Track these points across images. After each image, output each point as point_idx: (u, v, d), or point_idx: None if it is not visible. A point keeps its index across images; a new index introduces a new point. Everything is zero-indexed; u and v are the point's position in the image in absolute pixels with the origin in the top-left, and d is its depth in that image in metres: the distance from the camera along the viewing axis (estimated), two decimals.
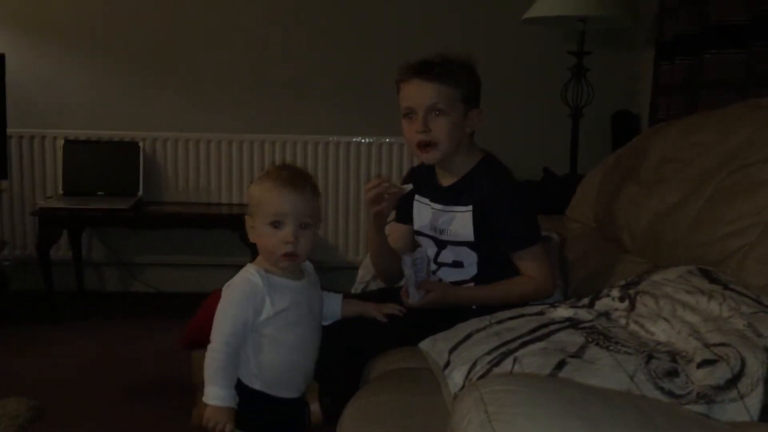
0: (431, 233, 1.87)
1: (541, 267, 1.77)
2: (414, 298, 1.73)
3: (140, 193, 3.56)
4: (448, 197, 1.82)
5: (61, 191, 3.57)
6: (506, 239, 1.77)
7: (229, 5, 3.68)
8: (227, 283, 1.53)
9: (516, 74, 3.67)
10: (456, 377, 1.30)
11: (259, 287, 1.49)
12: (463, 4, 3.67)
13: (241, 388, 1.50)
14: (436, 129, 1.73)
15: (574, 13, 3.01)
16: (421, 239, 1.91)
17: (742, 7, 2.39)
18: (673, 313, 1.30)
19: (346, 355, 1.64)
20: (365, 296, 1.97)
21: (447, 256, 1.84)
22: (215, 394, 1.46)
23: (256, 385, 1.52)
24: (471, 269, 1.82)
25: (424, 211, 1.89)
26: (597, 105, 3.30)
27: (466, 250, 1.80)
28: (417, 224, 1.92)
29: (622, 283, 1.51)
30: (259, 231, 1.52)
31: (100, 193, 3.54)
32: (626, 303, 1.41)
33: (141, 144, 3.60)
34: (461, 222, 1.79)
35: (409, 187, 1.81)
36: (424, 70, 1.73)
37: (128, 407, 2.48)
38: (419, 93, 1.74)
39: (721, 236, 1.60)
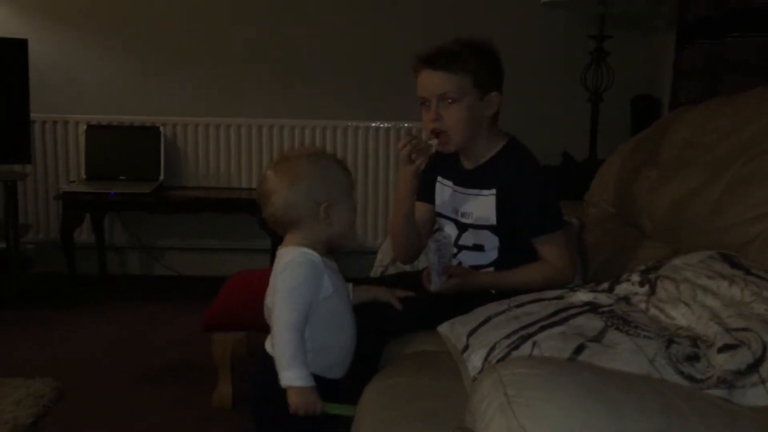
0: (453, 216, 1.87)
1: (562, 253, 1.78)
2: (436, 284, 1.74)
3: (161, 177, 3.59)
4: (471, 180, 1.83)
5: (83, 176, 3.60)
6: (528, 224, 1.77)
7: None
8: (282, 267, 1.49)
9: (535, 58, 3.64)
10: (475, 360, 1.31)
11: (319, 265, 1.49)
12: None
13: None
14: (448, 117, 1.75)
15: None
16: (442, 221, 1.92)
17: None
18: (694, 298, 1.30)
19: (365, 338, 1.65)
20: (383, 280, 1.97)
21: (468, 239, 1.84)
22: (299, 375, 1.42)
23: (312, 369, 1.48)
24: (491, 253, 1.82)
25: (446, 193, 1.90)
26: (617, 89, 3.27)
27: (487, 233, 1.80)
28: (439, 206, 1.93)
29: (642, 267, 1.51)
30: (340, 211, 1.53)
31: (122, 177, 3.58)
32: (646, 287, 1.41)
33: (162, 129, 3.62)
34: (484, 205, 1.79)
35: (434, 142, 1.80)
36: (432, 59, 1.74)
37: (149, 389, 2.52)
38: (430, 82, 1.76)
39: (742, 221, 1.59)
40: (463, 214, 1.84)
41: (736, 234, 1.59)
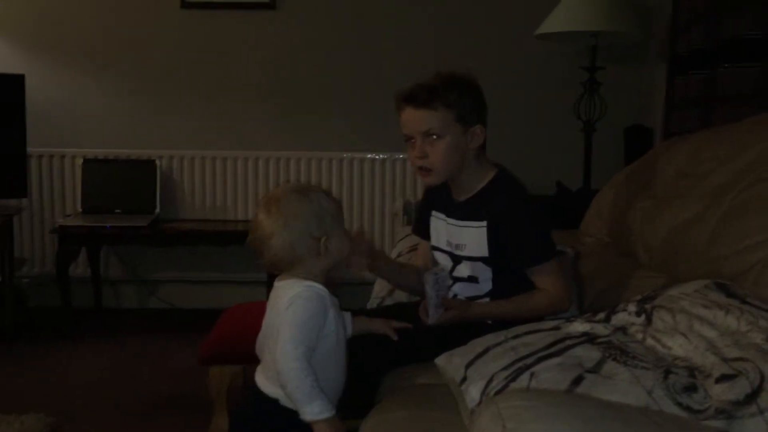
0: (447, 248, 1.87)
1: (556, 282, 1.78)
2: (434, 317, 1.73)
3: (157, 210, 3.60)
4: (463, 212, 1.83)
5: (79, 209, 3.61)
6: (521, 255, 1.77)
7: (244, 25, 3.72)
8: (288, 301, 1.48)
9: (529, 89, 3.68)
10: (473, 392, 1.30)
11: (326, 297, 1.49)
12: (476, 20, 3.69)
13: (276, 408, 1.49)
14: (432, 154, 1.76)
15: (586, 28, 3.01)
16: (437, 255, 1.92)
17: (756, 21, 2.39)
18: (690, 328, 1.30)
19: (361, 372, 1.64)
20: (380, 312, 1.97)
21: (462, 271, 1.84)
22: (323, 406, 1.42)
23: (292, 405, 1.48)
24: (486, 285, 1.82)
25: (440, 227, 1.90)
26: (610, 119, 3.30)
27: (481, 265, 1.81)
28: (434, 240, 1.93)
29: (639, 297, 1.51)
30: (337, 241, 1.54)
31: (117, 210, 3.58)
32: (643, 318, 1.41)
33: (158, 162, 3.64)
34: (476, 237, 1.79)
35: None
36: (413, 97, 1.75)
37: (145, 423, 2.49)
38: (412, 121, 1.76)
39: (738, 250, 1.60)
40: (457, 246, 1.84)
41: (732, 263, 1.59)
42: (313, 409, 1.42)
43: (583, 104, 3.25)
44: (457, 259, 1.85)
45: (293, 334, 1.45)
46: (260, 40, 3.73)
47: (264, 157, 3.71)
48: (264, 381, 1.56)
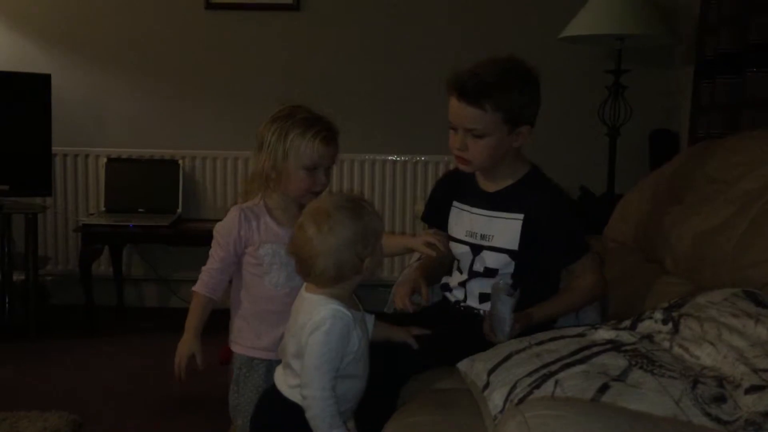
0: (468, 239, 1.83)
1: (595, 271, 1.82)
2: (507, 337, 1.63)
3: (179, 210, 3.61)
4: (493, 203, 1.80)
5: (103, 208, 3.63)
6: (566, 250, 1.77)
7: (267, 26, 3.73)
8: (314, 325, 1.46)
9: (553, 93, 3.60)
10: (496, 399, 1.29)
11: (350, 321, 1.48)
12: (501, 21, 3.67)
13: (301, 414, 1.50)
14: (473, 149, 1.73)
15: (612, 31, 2.98)
16: (455, 246, 1.87)
17: None
18: (719, 337, 1.28)
19: (382, 377, 1.63)
20: (397, 318, 1.95)
21: (481, 263, 1.81)
22: None
23: None
24: (505, 279, 1.79)
25: (462, 217, 1.87)
26: (635, 123, 3.26)
27: (505, 258, 1.77)
28: (453, 231, 1.88)
29: (665, 305, 1.49)
30: (377, 259, 1.54)
31: (140, 210, 3.60)
32: (670, 325, 1.39)
33: (180, 162, 3.66)
34: (507, 229, 1.76)
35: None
36: (464, 91, 1.69)
37: (167, 422, 2.50)
38: (458, 114, 1.72)
39: (767, 258, 1.57)
40: (483, 237, 1.80)
41: (761, 271, 1.57)
42: None
43: (608, 108, 3.22)
44: (477, 250, 1.81)
45: (319, 365, 1.46)
46: (284, 41, 3.74)
47: None
48: (287, 388, 1.56)
